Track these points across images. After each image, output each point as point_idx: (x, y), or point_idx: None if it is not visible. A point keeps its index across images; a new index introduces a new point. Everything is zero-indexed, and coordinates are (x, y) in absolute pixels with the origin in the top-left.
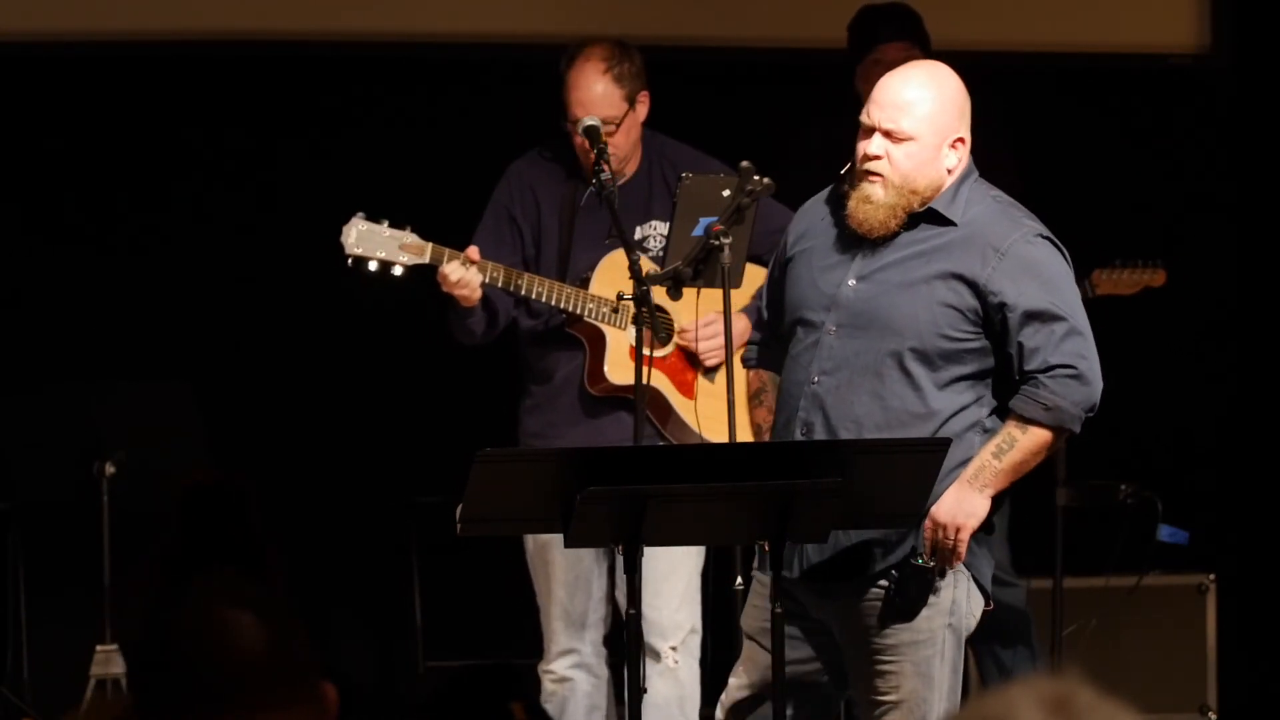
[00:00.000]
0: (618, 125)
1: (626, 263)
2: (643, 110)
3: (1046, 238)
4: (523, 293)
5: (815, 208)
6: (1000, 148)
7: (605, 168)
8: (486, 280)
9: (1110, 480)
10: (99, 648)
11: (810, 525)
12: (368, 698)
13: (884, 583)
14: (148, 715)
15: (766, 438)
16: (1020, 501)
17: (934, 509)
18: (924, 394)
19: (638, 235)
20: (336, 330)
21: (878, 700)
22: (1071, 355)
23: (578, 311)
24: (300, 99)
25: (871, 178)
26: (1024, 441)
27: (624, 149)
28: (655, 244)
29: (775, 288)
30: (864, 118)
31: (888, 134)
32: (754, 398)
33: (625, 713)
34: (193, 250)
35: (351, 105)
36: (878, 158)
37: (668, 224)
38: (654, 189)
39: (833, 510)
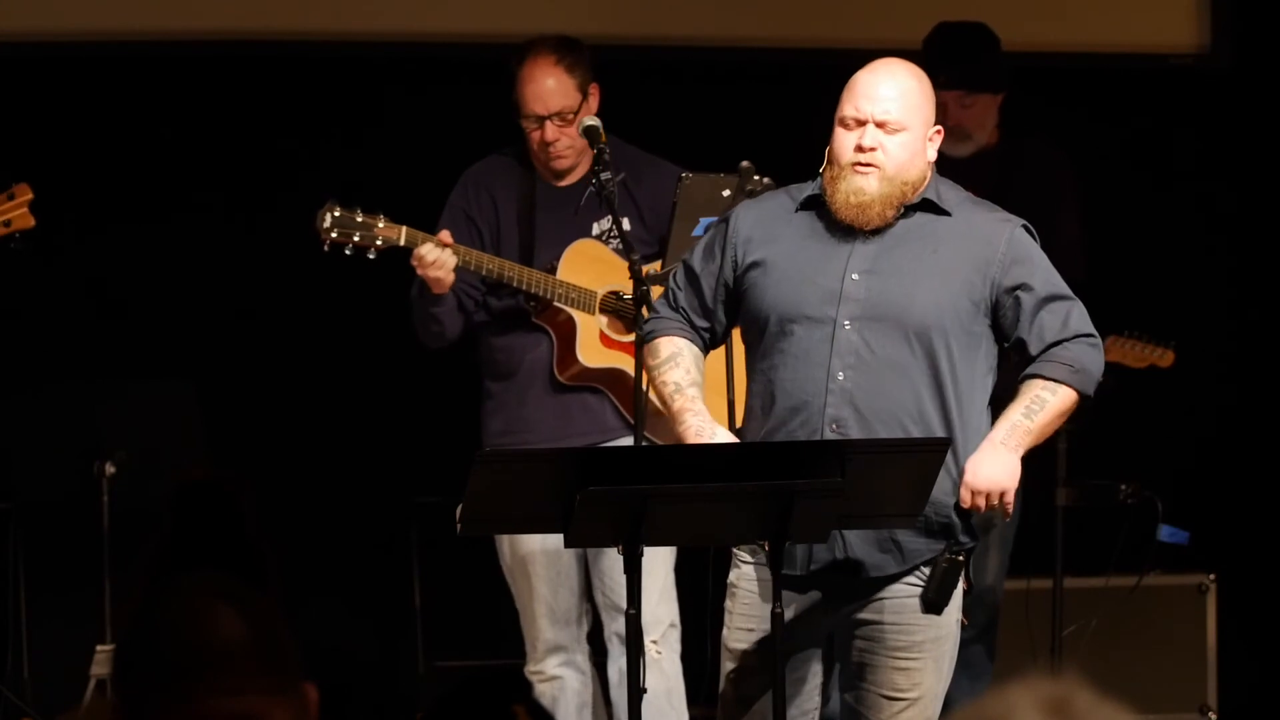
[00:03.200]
0: (574, 116)
1: (593, 251)
2: (594, 102)
3: (1026, 226)
4: (494, 276)
5: (760, 211)
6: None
7: (605, 168)
8: (460, 263)
9: (1110, 480)
10: (99, 648)
11: (810, 525)
12: (368, 698)
13: (913, 579)
14: (131, 703)
15: (688, 395)
16: (1020, 501)
17: (968, 478)
18: (948, 383)
19: (595, 231)
20: (337, 331)
21: (894, 698)
22: (1089, 326)
23: (548, 296)
24: (301, 98)
25: (863, 169)
26: (1053, 402)
27: (580, 142)
28: (613, 241)
29: (730, 274)
30: (850, 111)
31: (881, 125)
32: (669, 360)
33: (614, 711)
34: (193, 250)
35: (353, 105)
36: (873, 149)
37: (624, 220)
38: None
39: (833, 510)
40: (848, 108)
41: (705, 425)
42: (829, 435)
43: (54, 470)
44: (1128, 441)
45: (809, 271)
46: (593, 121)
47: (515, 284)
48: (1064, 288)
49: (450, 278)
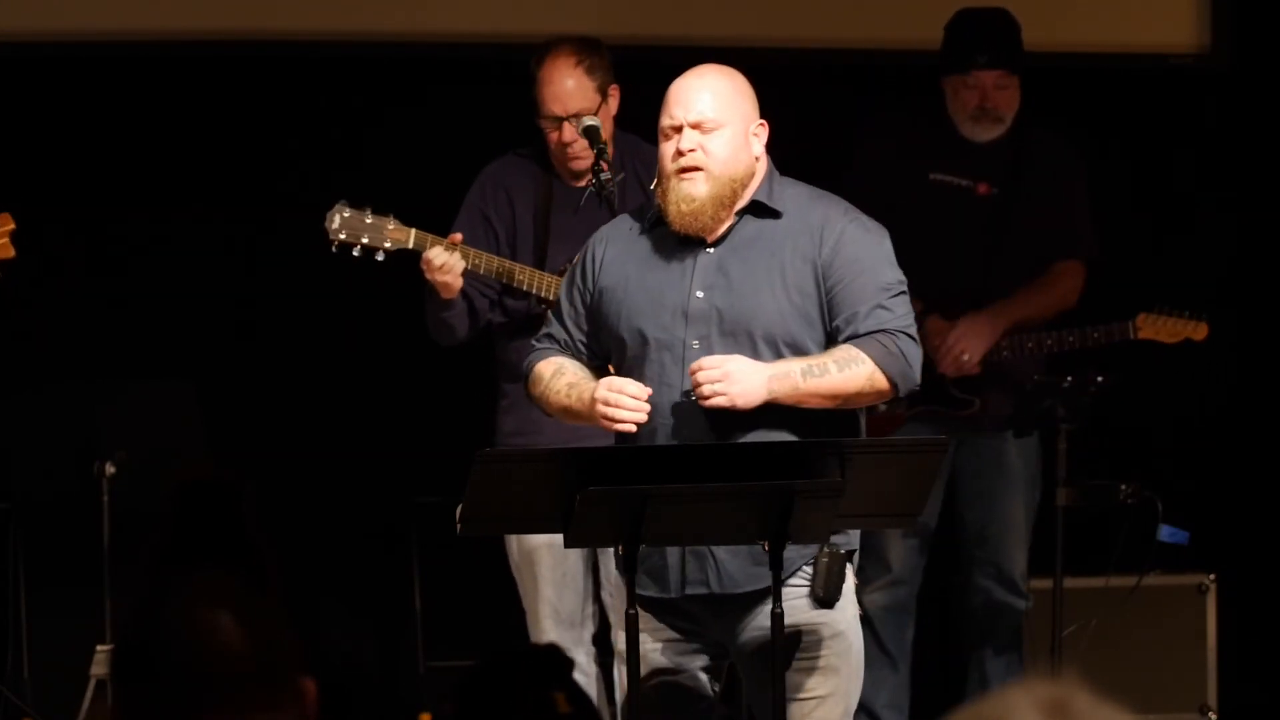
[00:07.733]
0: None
1: None
2: (614, 103)
3: (858, 222)
4: (505, 279)
5: (613, 234)
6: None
7: (605, 167)
8: (469, 266)
9: (1110, 480)
10: (99, 648)
11: (810, 525)
12: (368, 698)
13: (798, 581)
14: (130, 715)
15: (580, 398)
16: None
17: (721, 361)
18: None
19: None
20: (337, 330)
21: (804, 699)
22: (908, 323)
23: (557, 299)
24: (301, 99)
25: (689, 174)
26: (844, 377)
27: None
28: None
29: (590, 304)
30: (667, 120)
31: (696, 126)
32: (554, 376)
33: (618, 712)
34: (194, 250)
35: (353, 105)
36: (692, 150)
37: None
38: (628, 185)
39: (832, 510)
40: (664, 118)
41: (611, 387)
42: None
43: (54, 470)
44: (1128, 441)
45: (655, 293)
46: (592, 121)
47: (524, 287)
48: (889, 287)
49: (458, 282)
